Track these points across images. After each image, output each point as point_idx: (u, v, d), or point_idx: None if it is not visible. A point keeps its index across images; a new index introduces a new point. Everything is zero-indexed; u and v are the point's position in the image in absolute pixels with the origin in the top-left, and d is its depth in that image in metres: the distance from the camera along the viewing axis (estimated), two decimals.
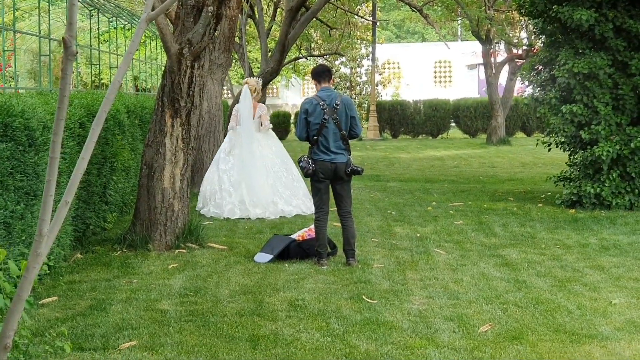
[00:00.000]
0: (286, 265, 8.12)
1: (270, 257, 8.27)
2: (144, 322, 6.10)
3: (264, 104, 13.60)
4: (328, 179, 8.20)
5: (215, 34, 8.88)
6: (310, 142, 8.20)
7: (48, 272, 7.18)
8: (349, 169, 8.14)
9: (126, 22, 23.81)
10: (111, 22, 22.75)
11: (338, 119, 8.12)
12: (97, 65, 22.15)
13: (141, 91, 28.87)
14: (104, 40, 26.96)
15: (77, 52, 3.40)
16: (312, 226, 8.85)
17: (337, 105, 8.14)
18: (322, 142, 8.11)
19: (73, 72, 3.85)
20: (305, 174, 8.20)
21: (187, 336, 5.78)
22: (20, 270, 4.04)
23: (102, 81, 27.97)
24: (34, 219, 6.68)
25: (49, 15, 17.08)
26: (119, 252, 8.66)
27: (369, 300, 6.73)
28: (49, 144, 6.89)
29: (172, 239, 8.93)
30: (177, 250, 8.80)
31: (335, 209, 8.45)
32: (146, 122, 12.11)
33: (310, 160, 8.13)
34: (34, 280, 3.36)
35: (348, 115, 8.20)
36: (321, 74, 8.40)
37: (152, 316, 6.28)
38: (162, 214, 8.92)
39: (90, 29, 21.16)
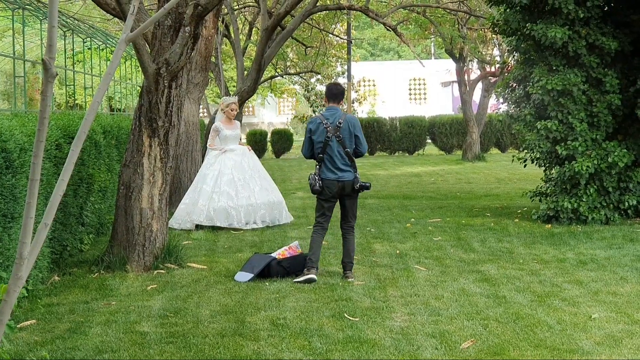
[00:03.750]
0: (267, 283, 8.09)
1: (251, 275, 8.24)
2: (124, 345, 6.05)
3: (240, 122, 13.71)
4: (335, 199, 8.36)
5: (192, 53, 8.87)
6: (316, 160, 8.35)
7: (26, 295, 7.12)
8: (358, 185, 8.27)
9: (101, 43, 23.74)
10: (85, 42, 22.68)
11: (341, 137, 8.26)
12: (72, 86, 22.04)
13: (115, 111, 28.76)
14: (78, 61, 26.86)
15: (57, 74, 3.39)
16: (292, 244, 8.87)
17: (340, 123, 8.28)
18: (327, 160, 8.28)
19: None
20: (313, 191, 8.38)
21: (168, 358, 5.73)
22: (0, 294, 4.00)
23: (77, 102, 27.82)
24: (11, 242, 6.62)
25: (23, 37, 17.00)
26: (96, 274, 8.58)
27: (350, 318, 6.72)
28: (26, 166, 6.84)
29: (150, 260, 8.87)
30: (155, 271, 8.74)
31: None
32: (122, 142, 12.06)
33: (317, 178, 8.27)
34: (15, 304, 3.33)
35: (352, 134, 8.34)
36: (331, 96, 8.56)
37: (132, 338, 6.22)
38: (140, 235, 8.86)
39: (65, 50, 21.08)
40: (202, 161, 14.71)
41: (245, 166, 12.18)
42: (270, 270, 8.35)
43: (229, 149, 12.14)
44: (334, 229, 10.90)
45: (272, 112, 50.12)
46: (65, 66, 21.67)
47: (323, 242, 9.98)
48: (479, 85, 30.64)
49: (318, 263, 8.37)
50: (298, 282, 8.09)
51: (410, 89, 50.94)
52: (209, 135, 12.52)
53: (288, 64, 30.08)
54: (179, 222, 11.85)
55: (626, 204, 11.80)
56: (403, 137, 34.09)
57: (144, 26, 3.69)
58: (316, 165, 8.37)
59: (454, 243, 10.55)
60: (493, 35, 26.98)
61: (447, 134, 34.25)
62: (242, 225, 11.85)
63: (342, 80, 39.00)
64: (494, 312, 6.89)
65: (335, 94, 8.57)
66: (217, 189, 11.81)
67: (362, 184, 8.32)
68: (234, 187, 11.87)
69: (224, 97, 12.90)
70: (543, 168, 12.89)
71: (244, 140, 12.53)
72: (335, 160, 8.26)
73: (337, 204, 8.54)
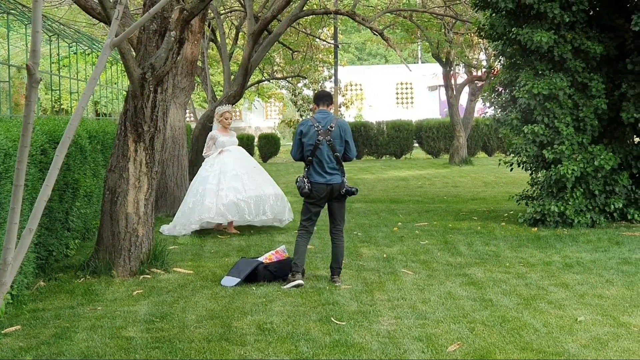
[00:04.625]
0: (254, 288, 8.08)
1: (238, 280, 8.23)
2: (110, 350, 6.02)
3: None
4: (323, 202, 8.35)
5: (178, 58, 8.86)
6: (305, 162, 8.33)
7: (11, 300, 7.09)
8: (344, 190, 8.26)
9: (86, 47, 23.67)
10: (71, 47, 22.62)
11: (332, 140, 8.26)
12: (58, 91, 21.96)
13: (101, 116, 28.68)
14: (64, 66, 26.76)
15: (41, 79, 3.38)
16: (279, 248, 8.86)
17: (331, 127, 8.30)
18: (316, 162, 8.26)
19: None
20: (301, 193, 8.34)
21: None
22: None
23: (62, 107, 27.72)
24: None
25: (8, 42, 16.93)
26: (82, 279, 8.54)
27: (337, 322, 6.71)
28: (10, 172, 6.80)
29: (136, 265, 8.84)
30: (141, 276, 8.71)
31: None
32: (108, 147, 12.02)
33: (306, 180, 8.26)
34: (1, 309, 3.32)
35: (342, 138, 8.35)
36: (320, 98, 8.62)
37: (117, 344, 6.20)
38: (126, 240, 8.83)
39: (50, 55, 21.02)
40: (189, 166, 14.67)
41: (246, 161, 12.19)
42: (257, 275, 8.34)
43: (226, 149, 12.11)
44: (321, 233, 10.91)
45: (259, 116, 50.09)
46: (51, 71, 21.60)
47: (311, 247, 10.00)
48: (466, 89, 30.73)
49: (303, 267, 8.37)
50: (286, 288, 8.08)
51: (397, 93, 51.01)
52: (206, 144, 12.41)
53: (275, 68, 30.08)
54: (185, 226, 11.74)
55: (612, 207, 11.86)
56: (390, 141, 34.14)
57: (128, 31, 3.69)
58: (305, 168, 8.37)
59: (440, 247, 10.57)
60: (479, 40, 27.08)
61: (434, 138, 34.32)
62: (253, 217, 11.82)
63: (329, 85, 39.03)
64: (481, 315, 6.90)
65: (321, 96, 8.61)
66: (223, 185, 11.75)
67: (348, 188, 8.31)
68: (240, 180, 11.83)
69: (218, 107, 12.78)
70: (529, 172, 12.93)
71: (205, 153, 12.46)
72: (324, 164, 8.25)
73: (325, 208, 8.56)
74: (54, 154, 3.26)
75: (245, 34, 20.41)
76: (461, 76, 32.87)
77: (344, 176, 8.35)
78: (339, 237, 8.46)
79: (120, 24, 8.24)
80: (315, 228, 8.76)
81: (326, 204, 8.47)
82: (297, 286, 8.08)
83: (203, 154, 12.42)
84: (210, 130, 12.68)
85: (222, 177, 11.79)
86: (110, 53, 3.52)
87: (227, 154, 12.05)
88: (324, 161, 8.25)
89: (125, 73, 10.73)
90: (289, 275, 8.22)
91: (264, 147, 33.45)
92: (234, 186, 11.75)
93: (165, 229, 11.88)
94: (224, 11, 22.77)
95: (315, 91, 8.79)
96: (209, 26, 20.13)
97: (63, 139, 3.32)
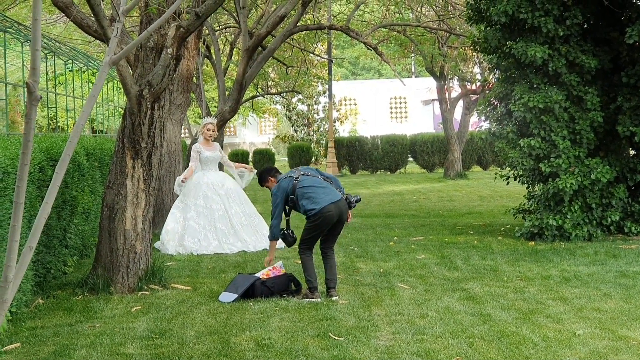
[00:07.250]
0: (251, 304, 8.07)
1: (235, 296, 8.23)
2: None
3: (220, 143, 13.68)
4: (327, 228, 8.21)
5: (175, 75, 8.88)
6: (292, 207, 8.26)
7: (10, 318, 7.07)
8: (353, 200, 8.26)
9: (82, 65, 23.71)
10: (67, 65, 22.65)
11: (305, 172, 8.32)
12: (54, 109, 21.97)
13: (98, 133, 28.68)
14: (59, 83, 26.79)
15: (40, 97, 3.39)
16: (276, 264, 8.85)
17: (298, 169, 8.40)
18: (309, 192, 8.13)
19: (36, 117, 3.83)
20: (289, 243, 8.37)
21: None
22: None
23: (58, 124, 27.72)
24: None
25: (5, 59, 16.94)
26: (80, 296, 8.54)
27: (335, 338, 6.71)
28: (8, 190, 6.80)
29: (134, 281, 8.84)
30: (140, 293, 8.70)
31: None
32: (105, 164, 12.03)
33: (288, 232, 8.29)
34: (1, 327, 3.32)
35: (314, 169, 8.44)
36: (276, 170, 8.76)
37: None
38: (124, 256, 8.83)
39: (46, 72, 21.04)
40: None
41: (232, 209, 12.14)
42: (254, 291, 8.34)
43: (211, 194, 12.07)
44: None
45: (254, 132, 50.19)
46: (47, 88, 21.63)
47: None
48: (460, 103, 30.82)
49: (317, 281, 8.39)
50: (302, 301, 8.11)
51: (391, 108, 51.15)
52: (191, 156, 12.44)
53: (269, 83, 30.15)
54: (174, 246, 11.78)
55: (609, 219, 11.87)
56: (385, 155, 34.22)
57: (127, 48, 3.72)
58: (286, 219, 8.34)
59: (437, 261, 10.57)
60: (473, 53, 27.20)
61: (428, 152, 34.41)
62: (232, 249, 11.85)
63: (323, 100, 39.12)
64: (479, 330, 6.90)
65: (269, 169, 8.78)
66: (208, 226, 11.82)
67: (355, 198, 8.31)
68: (225, 222, 11.91)
69: (203, 119, 12.88)
70: (526, 185, 12.95)
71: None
72: (319, 186, 8.17)
73: None
74: (52, 171, 3.27)
75: (239, 49, 20.46)
76: (455, 90, 32.98)
77: (342, 191, 8.34)
78: (331, 253, 8.44)
79: (118, 41, 8.27)
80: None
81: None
82: (315, 302, 8.11)
83: (190, 165, 12.35)
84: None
85: (210, 215, 11.86)
86: (108, 71, 3.54)
87: (212, 192, 12.05)
88: (314, 184, 8.18)
89: (121, 90, 10.74)
90: (307, 292, 8.24)
91: (258, 163, 33.51)
92: (221, 229, 11.82)
93: (161, 247, 11.86)
94: (218, 28, 22.85)
95: (258, 173, 8.84)
96: (203, 42, 20.19)
97: (63, 157, 3.34)
